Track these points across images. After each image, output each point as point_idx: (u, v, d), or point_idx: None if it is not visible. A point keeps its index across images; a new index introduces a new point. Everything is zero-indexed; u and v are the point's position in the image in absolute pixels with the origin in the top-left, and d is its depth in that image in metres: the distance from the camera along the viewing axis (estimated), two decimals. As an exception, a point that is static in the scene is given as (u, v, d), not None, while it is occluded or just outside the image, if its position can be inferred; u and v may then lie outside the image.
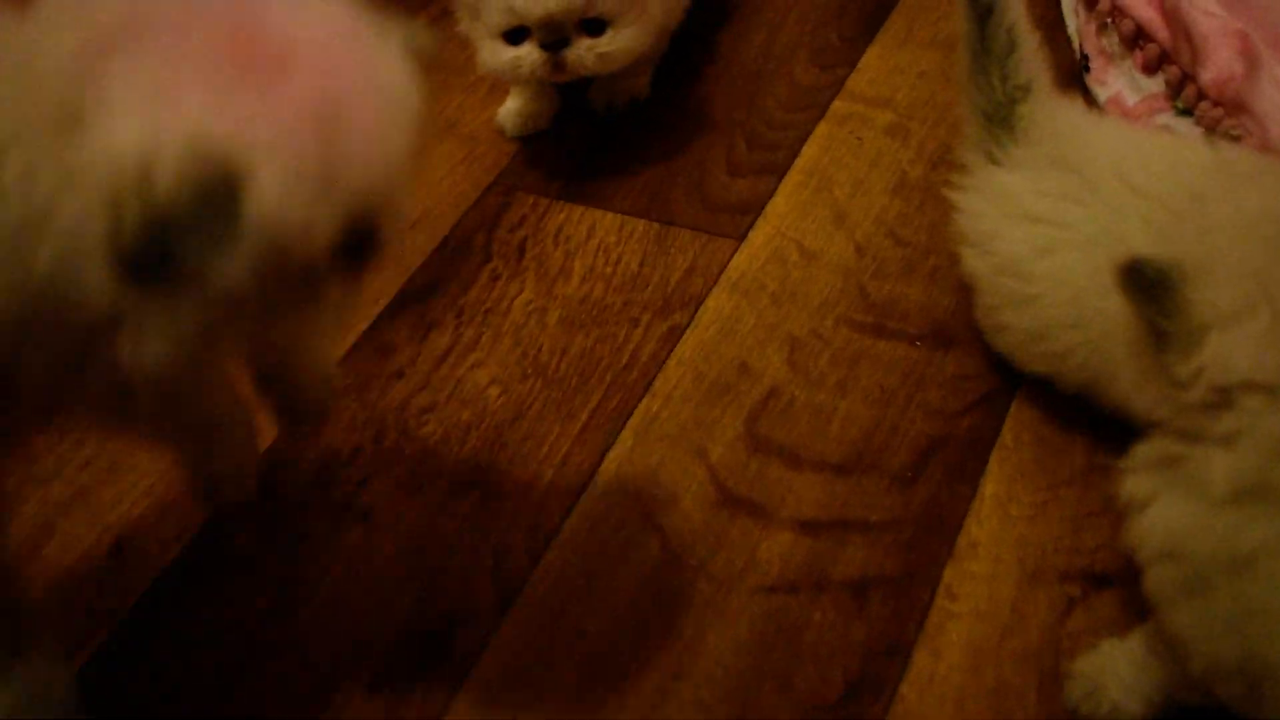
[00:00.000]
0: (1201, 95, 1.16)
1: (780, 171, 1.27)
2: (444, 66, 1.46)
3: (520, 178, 1.31)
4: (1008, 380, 1.06)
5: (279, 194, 0.55)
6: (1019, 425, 1.04)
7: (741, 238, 1.20)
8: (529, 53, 1.17)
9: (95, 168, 0.53)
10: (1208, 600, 0.73)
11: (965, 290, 1.13)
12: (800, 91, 1.36)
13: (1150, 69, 1.24)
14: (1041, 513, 0.98)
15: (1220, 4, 1.16)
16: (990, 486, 1.00)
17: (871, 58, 1.40)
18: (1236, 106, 1.12)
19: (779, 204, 1.24)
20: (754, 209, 1.23)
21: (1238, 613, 0.71)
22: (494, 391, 1.11)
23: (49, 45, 0.56)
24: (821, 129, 1.31)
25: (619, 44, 1.18)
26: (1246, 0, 1.16)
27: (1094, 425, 0.99)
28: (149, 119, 0.53)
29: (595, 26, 1.17)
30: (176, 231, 0.52)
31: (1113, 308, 0.85)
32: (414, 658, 0.95)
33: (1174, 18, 1.19)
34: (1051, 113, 1.01)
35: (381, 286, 1.19)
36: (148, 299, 0.55)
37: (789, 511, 1.00)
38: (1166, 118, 1.21)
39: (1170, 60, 1.21)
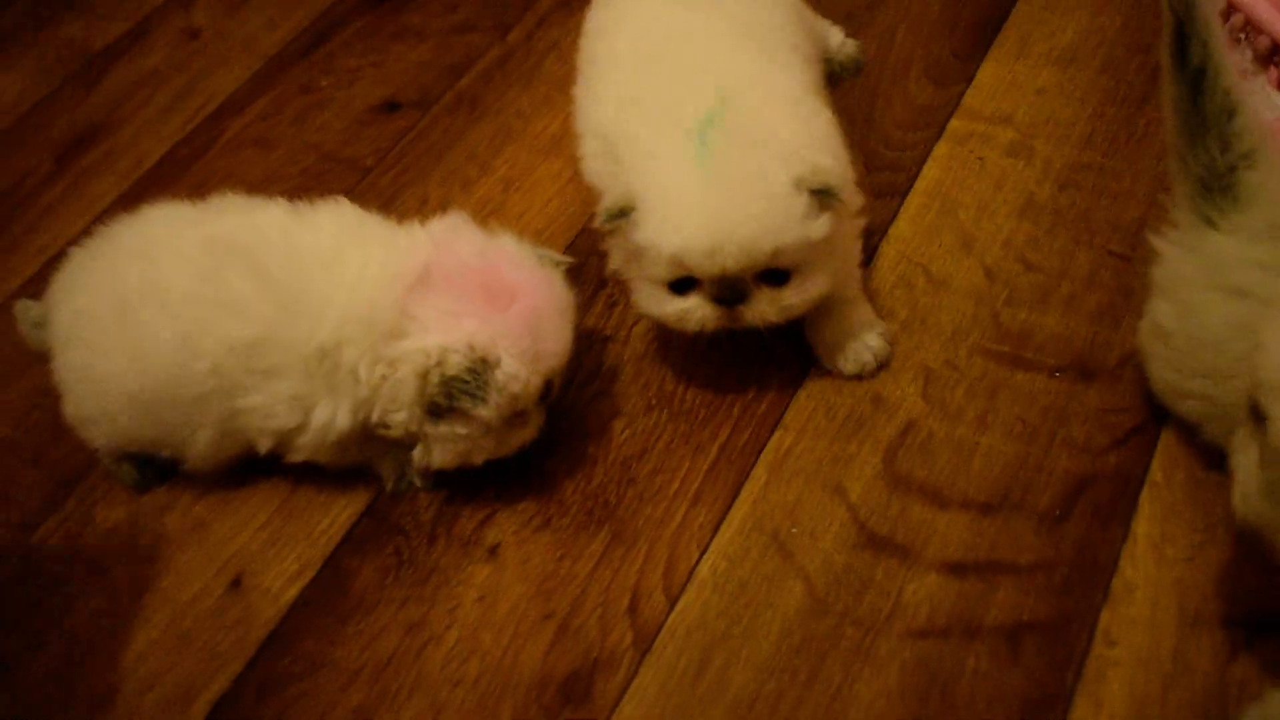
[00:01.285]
0: (1332, 101, 1.12)
1: (902, 193, 1.24)
2: (549, 81, 1.44)
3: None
4: (1155, 414, 1.02)
5: (513, 370, 0.95)
6: (1169, 462, 1.00)
7: (866, 263, 1.16)
8: (698, 305, 1.00)
9: (412, 356, 0.95)
10: None
11: (1104, 319, 1.09)
12: (917, 110, 1.32)
13: (1263, 61, 1.20)
14: (1199, 553, 0.94)
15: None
16: (1143, 526, 0.96)
17: (987, 73, 1.36)
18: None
19: (902, 227, 1.21)
20: (878, 232, 1.20)
21: None
22: (618, 425, 1.09)
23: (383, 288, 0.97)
24: (941, 149, 1.28)
25: (805, 295, 1.01)
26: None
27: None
28: (444, 331, 0.95)
29: (778, 277, 0.99)
30: (457, 391, 0.94)
31: None
32: (553, 704, 0.92)
33: (1302, 21, 1.15)
34: None
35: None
36: (438, 428, 0.97)
37: (934, 552, 0.97)
38: (1304, 136, 1.17)
39: (1296, 61, 1.17)
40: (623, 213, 0.98)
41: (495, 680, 0.94)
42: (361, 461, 1.05)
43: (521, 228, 1.25)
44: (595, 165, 1.08)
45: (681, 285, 1.00)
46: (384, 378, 0.96)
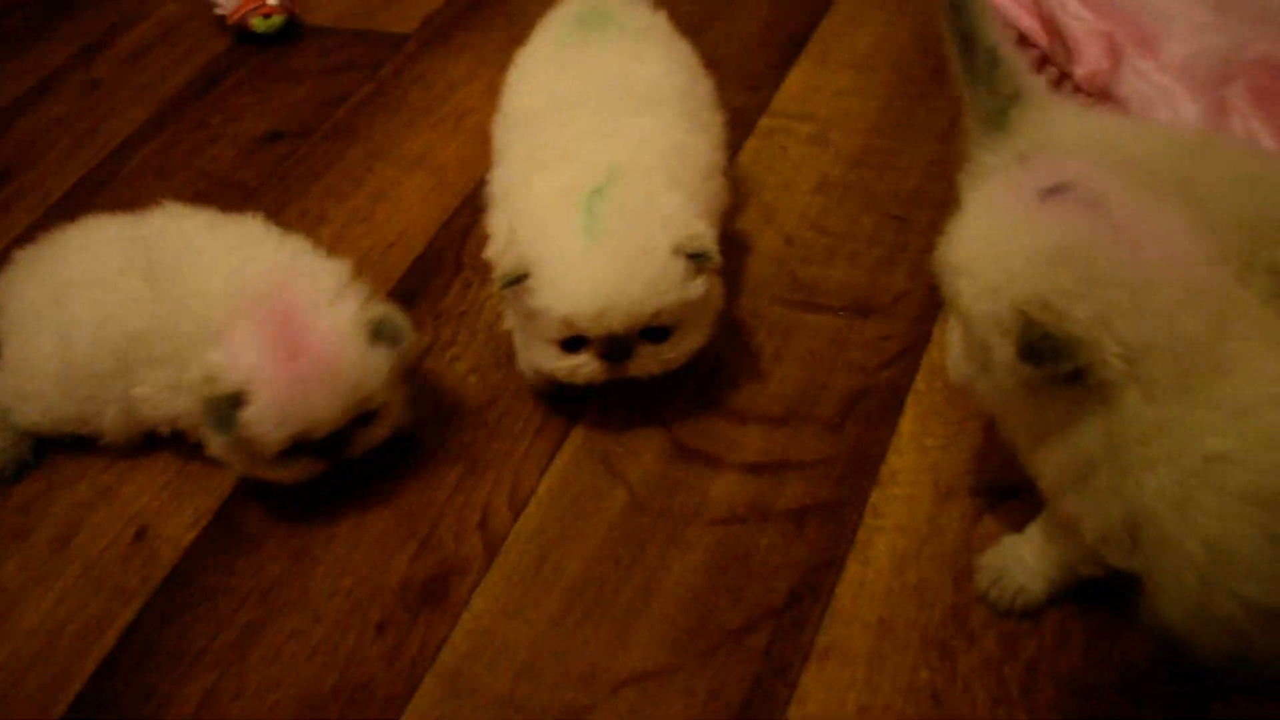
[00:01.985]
0: (1077, 88, 1.33)
1: (716, 179, 1.43)
2: (414, 108, 1.62)
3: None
4: (922, 338, 1.21)
5: (258, 416, 1.05)
6: (931, 374, 1.19)
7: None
8: (587, 361, 1.10)
9: (201, 367, 1.06)
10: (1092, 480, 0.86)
11: (881, 268, 1.29)
12: (733, 113, 1.51)
13: (1034, 70, 1.40)
14: (952, 442, 1.13)
15: (1087, 9, 1.33)
16: (907, 425, 1.15)
17: (794, 79, 1.57)
18: (1104, 95, 1.29)
19: (716, 207, 1.39)
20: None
21: (1115, 481, 0.84)
22: (473, 379, 1.26)
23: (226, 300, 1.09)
24: (751, 143, 1.48)
25: (684, 348, 1.12)
26: (1113, 5, 1.34)
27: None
28: (229, 355, 1.05)
29: (660, 334, 1.10)
30: (207, 411, 1.06)
31: None
32: (414, 604, 1.08)
33: (1050, 25, 1.36)
34: (1043, 110, 1.10)
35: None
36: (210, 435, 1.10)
37: (736, 458, 1.14)
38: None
39: (1049, 62, 1.38)
40: (518, 279, 1.07)
41: (365, 589, 1.10)
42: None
43: (388, 230, 1.43)
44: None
45: (572, 344, 1.09)
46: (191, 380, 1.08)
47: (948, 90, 1.46)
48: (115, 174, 1.59)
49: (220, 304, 1.09)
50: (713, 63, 1.58)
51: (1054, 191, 0.83)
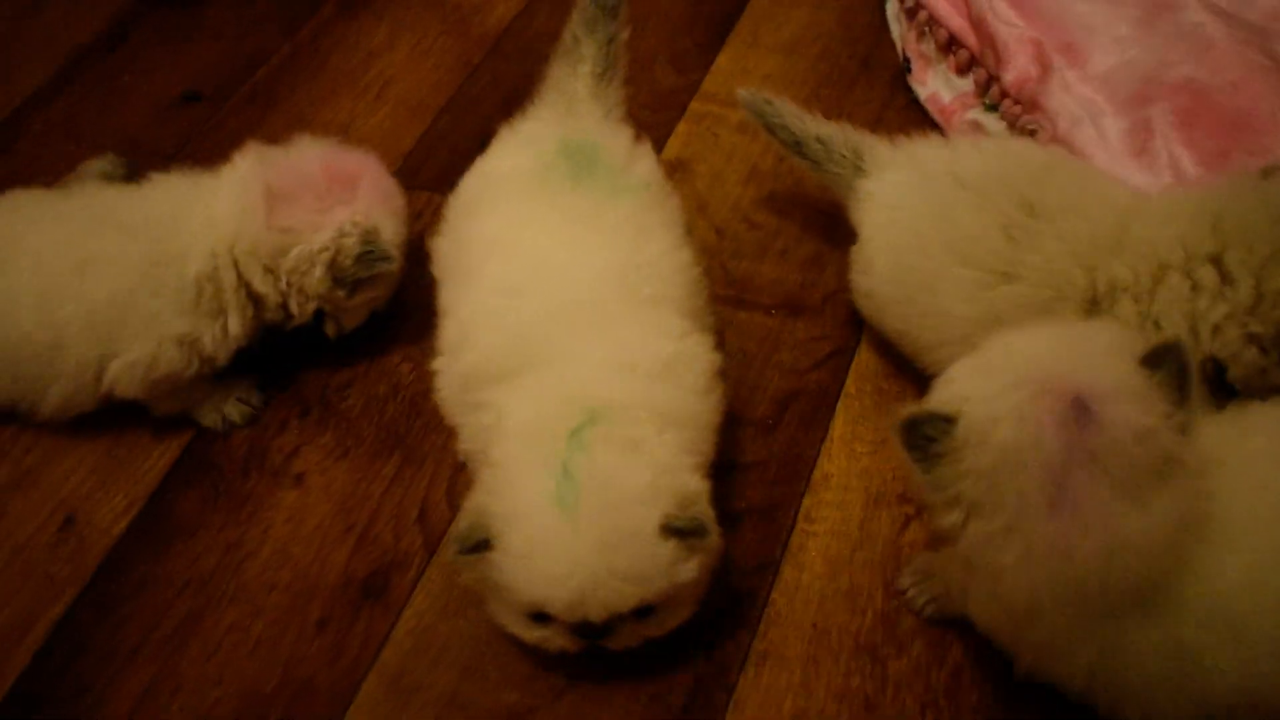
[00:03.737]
0: (1004, 94, 1.37)
1: (647, 166, 1.44)
2: (334, 76, 1.60)
3: (414, 177, 1.45)
4: (851, 340, 1.25)
5: (393, 228, 1.18)
6: (860, 377, 1.23)
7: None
8: (557, 635, 0.96)
9: (316, 257, 1.15)
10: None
11: (812, 266, 1.32)
12: (662, 94, 1.53)
13: (962, 71, 1.44)
14: (881, 448, 1.17)
15: (1018, 15, 1.36)
16: (839, 429, 1.19)
17: (723, 61, 1.58)
18: (1032, 104, 1.33)
19: (648, 195, 1.41)
20: (626, 200, 1.39)
21: None
22: (406, 368, 1.26)
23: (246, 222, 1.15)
24: (682, 127, 1.49)
25: (669, 624, 0.98)
26: (1040, 13, 1.37)
27: (921, 374, 1.19)
28: (323, 228, 1.15)
29: (644, 612, 0.95)
30: (369, 262, 1.15)
31: None
32: (355, 600, 1.09)
33: (980, 28, 1.39)
34: (892, 154, 1.20)
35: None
36: (354, 299, 1.19)
37: (671, 458, 1.17)
38: (976, 113, 1.41)
39: (978, 63, 1.41)
40: (478, 546, 0.93)
41: (305, 584, 1.10)
42: (184, 409, 1.20)
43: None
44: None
45: (541, 615, 0.95)
46: (290, 284, 1.15)
47: (876, 80, 1.50)
48: (20, 134, 1.54)
49: (225, 237, 1.13)
50: (640, 38, 1.60)
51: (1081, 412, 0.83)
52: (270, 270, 1.15)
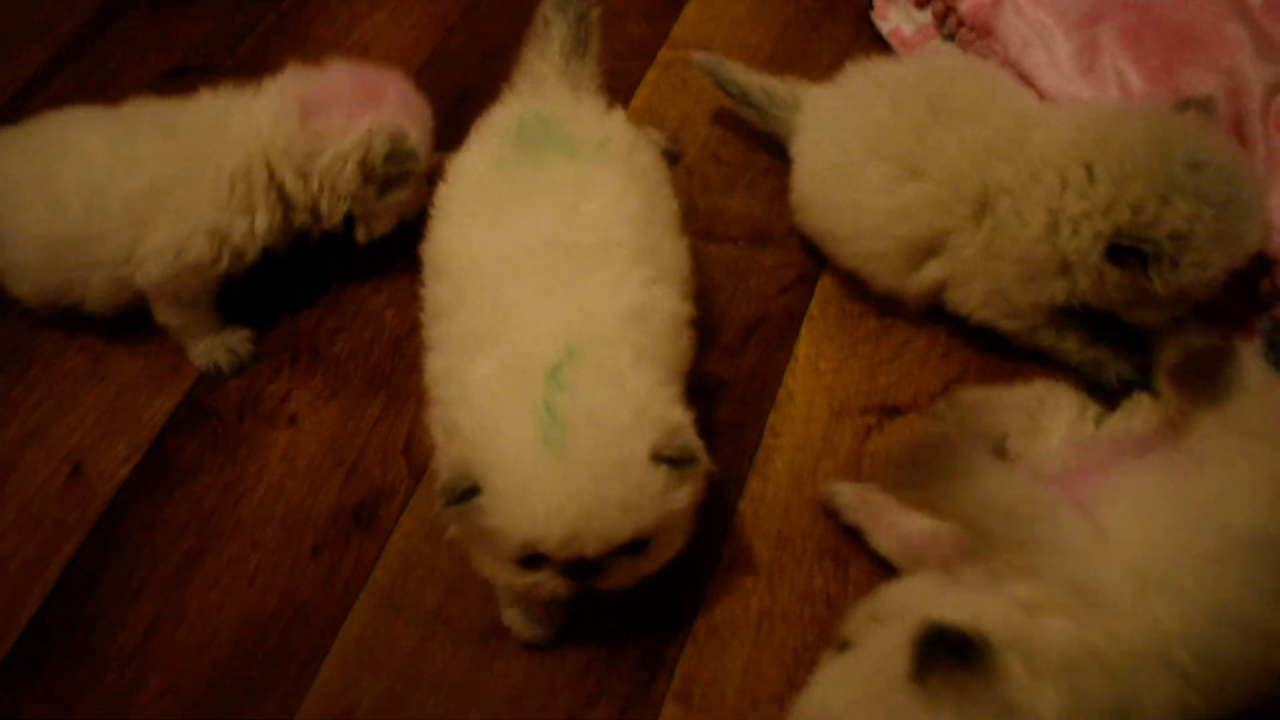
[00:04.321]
0: (960, 23, 1.41)
1: (619, 112, 1.49)
2: (318, 42, 1.65)
3: (395, 134, 1.50)
4: (815, 266, 1.30)
5: (418, 133, 1.25)
6: (824, 300, 1.27)
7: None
8: (549, 579, 0.95)
9: (349, 154, 1.23)
10: None
11: (777, 198, 1.36)
12: (634, 44, 1.57)
13: (921, 4, 1.48)
14: (844, 366, 1.22)
15: (970, -57, 1.40)
16: (803, 350, 1.23)
17: (691, 9, 1.62)
18: (985, 30, 1.37)
19: (619, 140, 1.45)
20: (599, 145, 1.44)
21: None
22: (390, 313, 1.32)
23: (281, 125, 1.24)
24: (652, 75, 1.53)
25: (662, 558, 0.98)
26: (990, -60, 1.41)
27: (882, 299, 1.24)
28: (354, 132, 1.23)
29: (636, 547, 0.94)
30: (398, 160, 1.24)
31: None
32: (346, 528, 1.15)
33: (935, -41, 1.43)
34: (823, 90, 1.30)
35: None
36: (384, 200, 1.27)
37: (643, 384, 1.22)
38: (936, 43, 1.46)
39: (935, -7, 1.45)
40: (465, 495, 0.91)
41: (299, 516, 1.17)
42: (182, 329, 1.28)
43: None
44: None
45: (531, 560, 0.94)
46: (322, 186, 1.24)
47: (841, 18, 1.54)
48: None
49: (260, 139, 1.22)
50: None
51: None
52: (303, 173, 1.24)
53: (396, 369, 1.27)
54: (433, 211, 1.14)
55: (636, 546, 0.94)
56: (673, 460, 0.92)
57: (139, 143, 1.22)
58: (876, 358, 1.22)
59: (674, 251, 1.10)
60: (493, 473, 0.91)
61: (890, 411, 1.17)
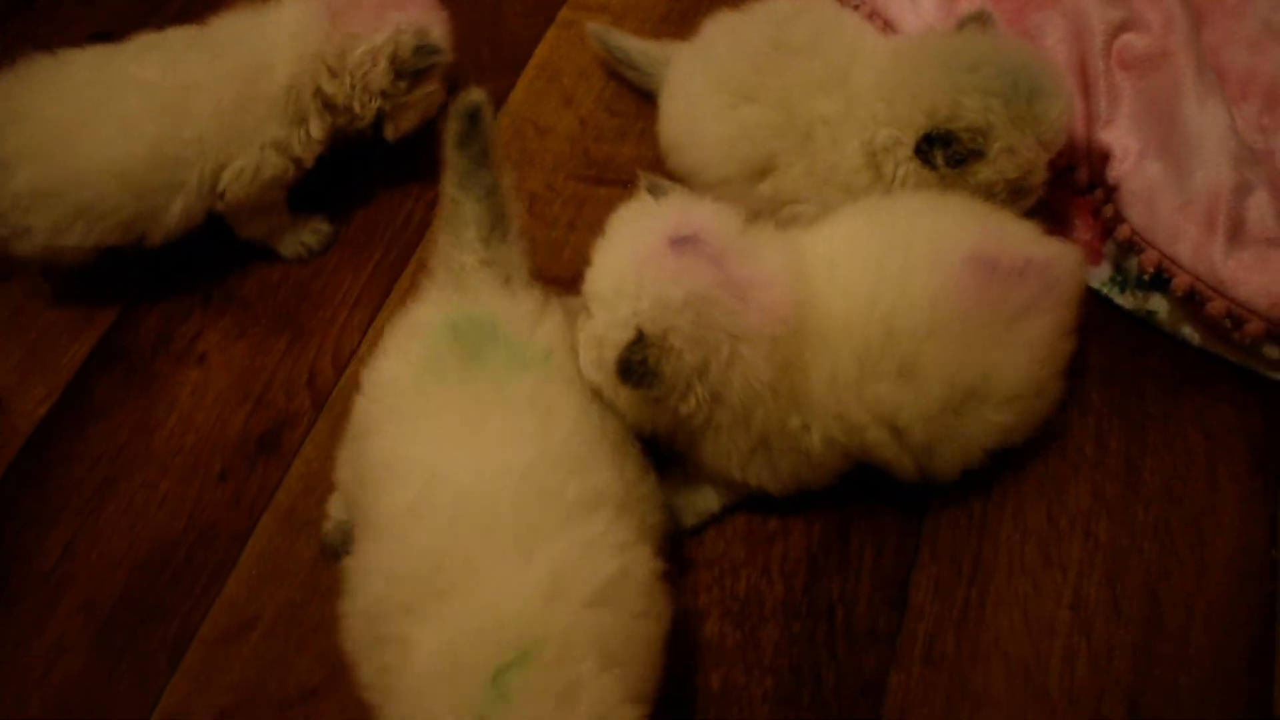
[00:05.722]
0: (837, -21, 1.48)
1: (519, 69, 1.56)
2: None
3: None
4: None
5: (440, 32, 1.34)
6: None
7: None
8: None
9: (380, 48, 1.30)
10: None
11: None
12: (534, 4, 1.64)
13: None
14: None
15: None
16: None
17: (592, -26, 1.69)
18: (857, -15, 1.45)
19: (518, 96, 1.53)
20: (498, 102, 1.52)
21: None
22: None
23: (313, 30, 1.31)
24: (551, 33, 1.60)
25: None
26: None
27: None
28: (382, 30, 1.31)
29: None
30: (425, 52, 1.32)
31: None
32: (251, 454, 1.22)
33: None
34: None
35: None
36: (413, 94, 1.35)
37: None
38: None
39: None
40: None
41: (207, 445, 1.24)
42: (268, 234, 1.37)
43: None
44: None
45: None
46: (354, 84, 1.31)
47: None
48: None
49: (296, 45, 1.29)
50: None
51: (683, 242, 1.00)
52: (335, 73, 1.30)
53: (301, 308, 1.34)
54: (352, 430, 1.05)
55: None
56: None
57: (191, 66, 1.27)
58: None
59: (647, 490, 1.03)
60: None
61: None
